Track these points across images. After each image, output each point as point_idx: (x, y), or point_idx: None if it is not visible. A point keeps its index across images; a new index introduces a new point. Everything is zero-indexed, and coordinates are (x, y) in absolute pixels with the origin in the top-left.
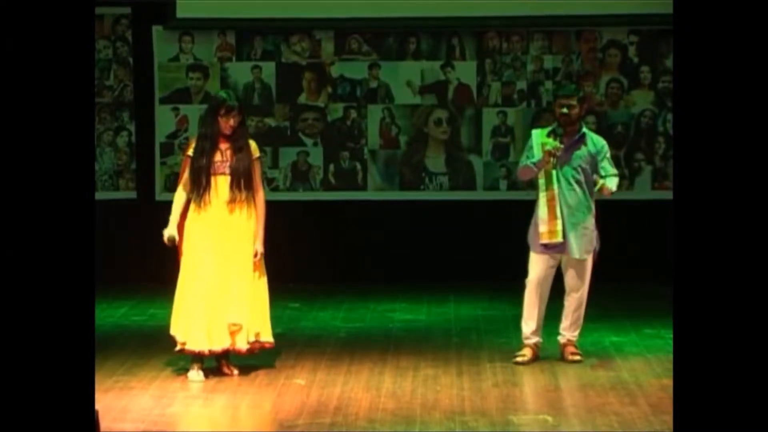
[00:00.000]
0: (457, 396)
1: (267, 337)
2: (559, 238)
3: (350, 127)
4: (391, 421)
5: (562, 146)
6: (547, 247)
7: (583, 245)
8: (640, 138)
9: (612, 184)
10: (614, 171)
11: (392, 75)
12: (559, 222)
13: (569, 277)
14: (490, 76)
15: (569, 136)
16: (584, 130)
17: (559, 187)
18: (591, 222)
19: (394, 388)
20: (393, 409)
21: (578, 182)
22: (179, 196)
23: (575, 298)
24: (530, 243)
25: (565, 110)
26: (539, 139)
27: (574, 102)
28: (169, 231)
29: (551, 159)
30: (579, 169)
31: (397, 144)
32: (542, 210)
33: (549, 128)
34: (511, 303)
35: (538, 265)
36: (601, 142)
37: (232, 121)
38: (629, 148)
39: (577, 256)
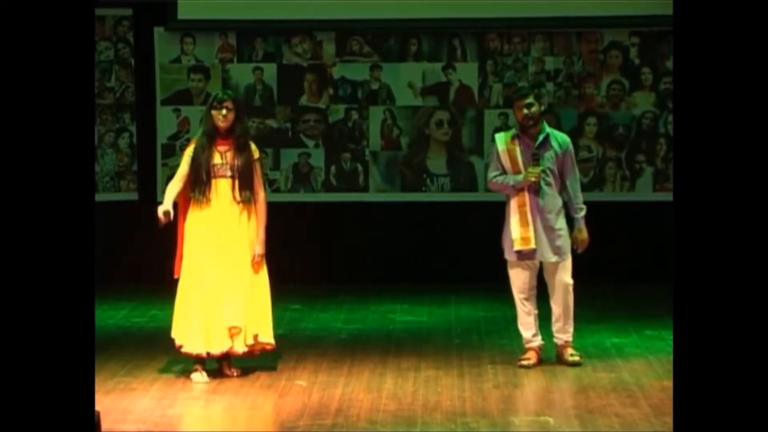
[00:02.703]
0: (458, 397)
1: (267, 338)
2: (532, 245)
3: (351, 128)
4: (392, 422)
5: (541, 168)
6: (521, 254)
7: (557, 248)
8: (642, 139)
9: (582, 227)
10: (578, 184)
11: (393, 76)
12: (531, 228)
13: (551, 281)
14: (492, 77)
15: (533, 138)
16: (547, 130)
17: (529, 191)
18: (562, 223)
19: (395, 390)
20: (394, 411)
21: (548, 184)
22: (173, 186)
23: (561, 301)
24: (504, 250)
25: (525, 111)
26: (503, 144)
27: (531, 100)
28: (164, 206)
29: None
30: (548, 171)
31: (398, 145)
32: (513, 216)
33: (511, 132)
34: (512, 304)
35: (519, 275)
36: (566, 139)
37: (224, 111)
38: (630, 149)
39: (552, 260)
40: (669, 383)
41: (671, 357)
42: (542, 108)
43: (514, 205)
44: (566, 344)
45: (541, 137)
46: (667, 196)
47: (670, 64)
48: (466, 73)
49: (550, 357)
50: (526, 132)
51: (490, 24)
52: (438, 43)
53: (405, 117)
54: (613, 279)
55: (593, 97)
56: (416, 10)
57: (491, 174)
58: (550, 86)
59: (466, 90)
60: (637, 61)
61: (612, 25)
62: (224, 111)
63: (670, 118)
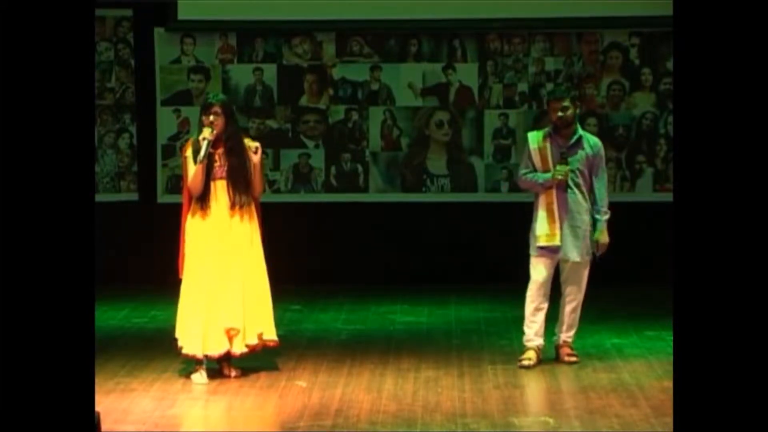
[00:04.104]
0: (458, 398)
1: (270, 335)
2: (557, 242)
3: (351, 129)
4: (392, 423)
5: (569, 168)
6: (545, 250)
7: (583, 248)
8: (642, 140)
9: (603, 231)
10: (604, 188)
11: (393, 77)
12: (557, 225)
13: (567, 280)
14: (492, 78)
15: (566, 139)
16: (580, 132)
17: (558, 190)
18: (589, 224)
19: (396, 390)
20: (394, 411)
21: (577, 185)
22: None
23: (572, 301)
24: (530, 246)
25: (560, 113)
26: (535, 142)
27: (567, 103)
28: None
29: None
30: (577, 172)
31: (398, 146)
32: (541, 213)
33: (544, 131)
34: (513, 305)
35: (540, 270)
36: (597, 142)
37: (212, 117)
38: (630, 150)
39: (577, 259)
40: (669, 384)
41: (671, 357)
42: (577, 111)
43: (542, 202)
44: (565, 344)
45: (573, 138)
46: (667, 197)
47: (670, 65)
48: (467, 73)
49: (549, 357)
50: (559, 132)
51: (491, 24)
52: (438, 43)
53: (405, 118)
54: (614, 279)
55: (593, 98)
56: (416, 10)
57: (521, 171)
58: (550, 87)
59: (467, 90)
60: (637, 62)
61: (612, 25)
62: (212, 117)
63: (670, 118)
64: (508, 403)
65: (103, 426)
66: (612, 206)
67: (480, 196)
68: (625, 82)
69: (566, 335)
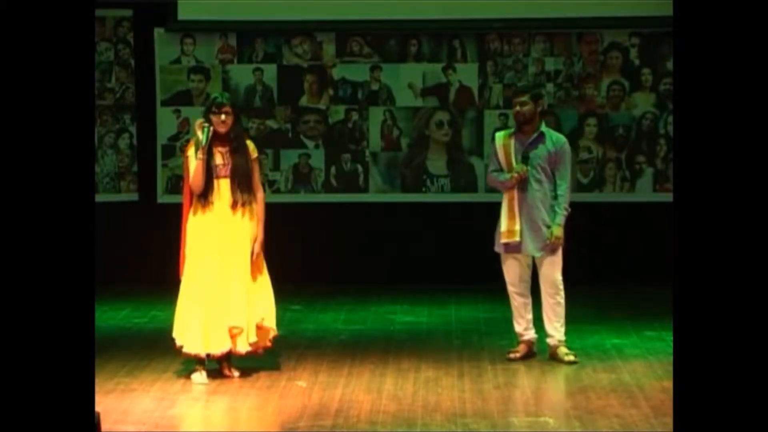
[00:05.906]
0: (458, 398)
1: (270, 323)
2: (517, 238)
3: (352, 129)
4: (392, 423)
5: (527, 168)
6: (507, 247)
7: (542, 243)
8: (642, 140)
9: (558, 225)
10: (565, 185)
11: (394, 77)
12: (516, 221)
13: (539, 276)
14: (492, 78)
15: (527, 135)
16: (542, 128)
17: (519, 186)
18: (551, 219)
19: (396, 390)
20: (394, 412)
21: (538, 181)
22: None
23: (549, 295)
24: (495, 242)
25: (517, 108)
26: (500, 140)
27: (525, 99)
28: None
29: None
30: (538, 168)
31: (398, 146)
32: (503, 210)
33: (511, 130)
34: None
35: (511, 268)
36: (561, 139)
37: (223, 117)
38: (630, 150)
39: (536, 254)
40: (669, 384)
41: (671, 357)
42: (539, 109)
43: (505, 199)
44: (559, 343)
45: (534, 135)
46: (668, 197)
47: (670, 65)
48: (467, 73)
49: (549, 357)
50: (521, 129)
51: (491, 24)
52: (438, 43)
53: (405, 118)
54: (613, 279)
55: (593, 98)
56: (416, 10)
57: (490, 169)
58: (550, 87)
59: (467, 91)
60: (637, 62)
61: (612, 26)
62: (223, 116)
63: (670, 118)
64: (508, 403)
65: (103, 426)
66: (612, 206)
67: (480, 196)
68: (625, 83)
69: (558, 334)
